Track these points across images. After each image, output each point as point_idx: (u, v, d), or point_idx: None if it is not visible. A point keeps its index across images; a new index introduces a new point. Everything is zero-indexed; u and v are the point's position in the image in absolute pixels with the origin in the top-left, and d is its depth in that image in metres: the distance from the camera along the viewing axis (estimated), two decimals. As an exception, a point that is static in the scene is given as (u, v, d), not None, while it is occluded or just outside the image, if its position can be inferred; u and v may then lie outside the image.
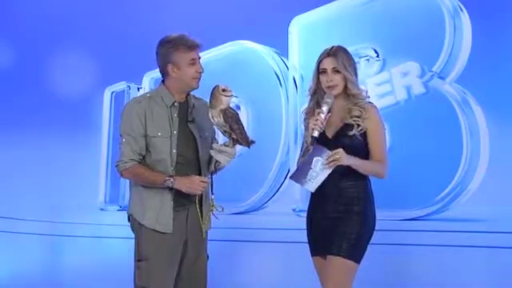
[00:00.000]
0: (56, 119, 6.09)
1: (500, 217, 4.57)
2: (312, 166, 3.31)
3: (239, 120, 3.42)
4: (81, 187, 5.95)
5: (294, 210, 5.16)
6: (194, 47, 3.46)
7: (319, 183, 3.33)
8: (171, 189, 3.40)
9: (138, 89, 5.91)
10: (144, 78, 5.87)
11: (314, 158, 3.29)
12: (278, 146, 5.34)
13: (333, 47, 3.46)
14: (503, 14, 4.67)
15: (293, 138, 5.25)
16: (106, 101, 6.05)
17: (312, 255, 3.51)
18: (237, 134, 3.39)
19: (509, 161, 4.57)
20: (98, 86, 6.04)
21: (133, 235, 3.55)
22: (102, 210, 5.99)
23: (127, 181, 3.68)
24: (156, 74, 5.67)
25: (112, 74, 5.99)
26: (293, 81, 5.30)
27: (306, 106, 3.61)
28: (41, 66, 6.18)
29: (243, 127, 3.43)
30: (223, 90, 3.38)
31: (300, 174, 3.36)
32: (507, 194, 4.54)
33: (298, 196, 5.16)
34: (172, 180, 3.37)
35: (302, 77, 5.26)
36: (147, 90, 5.76)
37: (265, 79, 5.42)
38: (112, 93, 6.05)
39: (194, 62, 3.46)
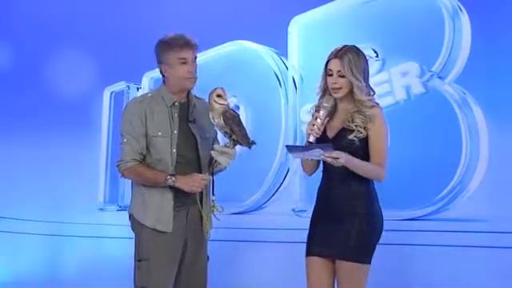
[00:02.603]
0: (55, 119, 6.09)
1: (499, 217, 4.58)
2: (308, 151, 3.29)
3: (240, 122, 3.42)
4: (80, 187, 5.95)
5: (293, 210, 5.16)
6: (185, 46, 3.43)
7: (303, 157, 3.39)
8: (172, 188, 3.40)
9: (138, 89, 5.91)
10: (143, 78, 5.87)
11: (317, 149, 3.27)
12: (277, 146, 5.34)
13: (342, 48, 3.38)
14: (503, 14, 4.67)
15: (292, 138, 5.25)
16: (106, 101, 6.04)
17: (307, 255, 3.47)
18: (237, 135, 3.39)
19: (508, 161, 4.58)
20: (98, 86, 6.03)
21: (133, 235, 3.55)
22: (101, 209, 5.99)
23: (129, 181, 3.68)
24: (155, 73, 5.70)
25: (111, 74, 5.99)
26: (292, 81, 5.30)
27: (309, 104, 3.60)
28: (40, 65, 6.17)
29: (244, 128, 3.42)
30: (218, 96, 3.38)
31: (294, 149, 3.42)
32: (507, 194, 4.55)
33: (297, 196, 5.17)
34: (173, 179, 3.37)
35: (301, 77, 5.26)
36: (147, 89, 5.76)
37: (264, 79, 5.42)
38: (111, 93, 6.04)
39: (185, 61, 3.42)
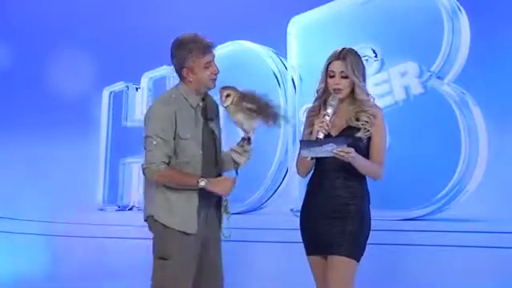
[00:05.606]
0: (54, 119, 6.09)
1: (499, 217, 4.58)
2: (322, 146, 3.31)
3: (255, 97, 3.46)
4: (79, 187, 5.95)
5: (292, 210, 5.16)
6: (208, 50, 3.43)
7: (314, 155, 3.36)
8: (199, 191, 3.38)
9: (137, 89, 5.92)
10: (142, 78, 5.87)
11: (330, 144, 3.29)
12: (276, 146, 5.35)
13: (343, 50, 3.43)
14: (501, 14, 4.68)
15: (291, 137, 5.26)
16: (105, 101, 6.05)
17: (308, 254, 3.51)
18: (269, 110, 3.44)
19: (507, 160, 4.59)
20: (97, 86, 6.04)
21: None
22: (100, 210, 5.99)
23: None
24: (154, 74, 5.73)
25: (110, 74, 5.99)
26: (291, 81, 5.31)
27: (308, 105, 3.62)
28: (39, 65, 6.18)
29: (264, 100, 3.47)
30: (227, 96, 3.40)
31: (308, 145, 3.37)
32: (505, 194, 4.56)
33: (296, 196, 5.16)
34: (205, 181, 3.34)
35: (300, 77, 5.26)
36: (145, 90, 5.77)
37: (263, 79, 5.42)
38: (110, 93, 6.04)
39: (209, 64, 3.43)
